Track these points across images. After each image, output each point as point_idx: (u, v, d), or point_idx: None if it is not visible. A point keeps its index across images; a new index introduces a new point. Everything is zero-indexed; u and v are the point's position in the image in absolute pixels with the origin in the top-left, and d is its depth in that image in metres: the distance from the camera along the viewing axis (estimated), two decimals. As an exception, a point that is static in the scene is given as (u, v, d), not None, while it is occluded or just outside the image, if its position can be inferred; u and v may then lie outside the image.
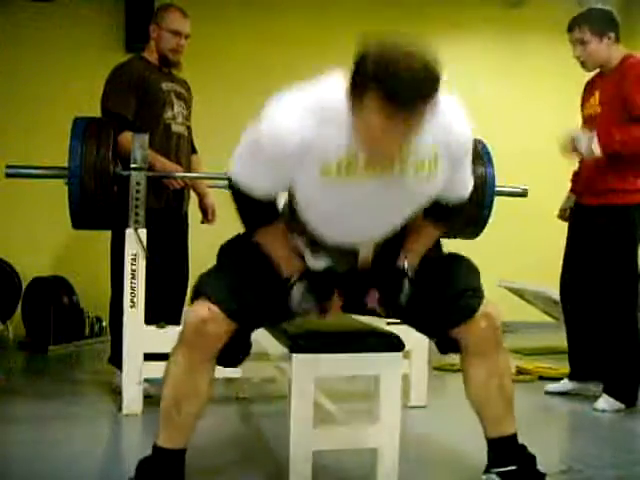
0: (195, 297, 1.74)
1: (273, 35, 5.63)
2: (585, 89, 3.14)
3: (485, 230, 2.98)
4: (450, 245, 3.20)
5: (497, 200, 2.94)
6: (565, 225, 3.25)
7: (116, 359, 2.96)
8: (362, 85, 1.44)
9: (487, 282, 6.04)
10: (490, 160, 2.91)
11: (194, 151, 3.37)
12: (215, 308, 1.67)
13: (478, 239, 3.07)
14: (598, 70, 3.03)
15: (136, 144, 2.72)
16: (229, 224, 2.00)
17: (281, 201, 1.79)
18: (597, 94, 2.96)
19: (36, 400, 3.00)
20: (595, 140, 2.78)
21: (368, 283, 1.84)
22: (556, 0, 6.05)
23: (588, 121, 3.03)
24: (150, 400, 2.83)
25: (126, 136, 2.87)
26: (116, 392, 2.92)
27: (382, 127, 1.44)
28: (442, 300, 1.77)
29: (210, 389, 1.78)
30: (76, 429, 2.53)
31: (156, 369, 2.84)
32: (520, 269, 5.01)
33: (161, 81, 3.11)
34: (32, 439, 2.38)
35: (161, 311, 2.89)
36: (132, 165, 2.71)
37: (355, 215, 1.68)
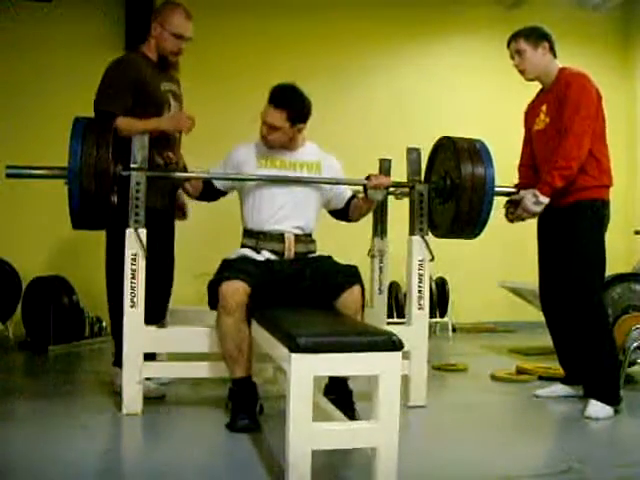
0: (217, 284, 2.56)
1: (273, 37, 5.63)
2: (528, 113, 3.23)
3: (485, 230, 2.98)
4: (451, 245, 3.24)
5: (497, 200, 2.94)
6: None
7: (120, 361, 2.94)
8: None
9: (487, 282, 6.07)
10: (490, 160, 2.91)
11: None
12: (238, 281, 2.54)
13: (478, 239, 3.07)
14: (539, 89, 3.16)
15: (136, 144, 2.73)
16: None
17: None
18: (544, 108, 3.06)
19: (36, 400, 3.00)
20: (536, 192, 2.86)
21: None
22: (556, 1, 6.06)
23: (537, 137, 3.10)
24: (150, 401, 2.84)
25: (122, 119, 2.87)
26: (117, 393, 2.91)
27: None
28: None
29: (250, 334, 2.59)
30: (76, 429, 2.53)
31: (156, 369, 2.86)
32: (520, 269, 5.01)
33: (160, 81, 3.07)
34: (32, 439, 2.38)
35: (147, 310, 2.87)
36: (132, 165, 2.71)
37: (276, 198, 2.80)
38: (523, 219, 3.15)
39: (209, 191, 2.93)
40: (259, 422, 2.51)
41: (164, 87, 3.08)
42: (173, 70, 3.18)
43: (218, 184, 2.91)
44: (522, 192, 2.96)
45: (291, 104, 2.73)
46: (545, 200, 2.85)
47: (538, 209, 2.88)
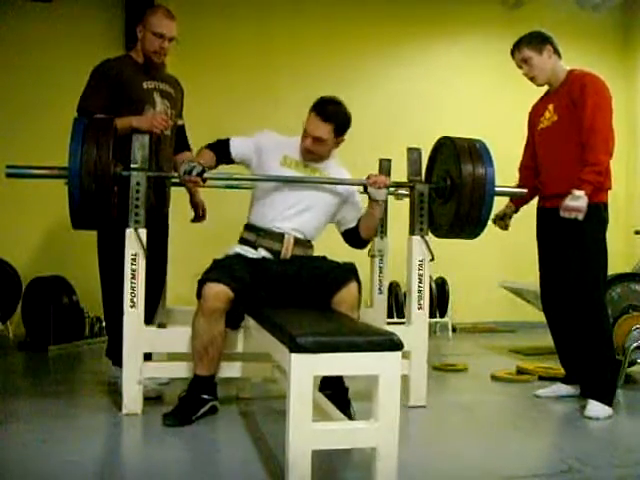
0: (203, 283, 2.58)
1: (272, 36, 5.63)
2: (532, 113, 3.24)
3: (485, 230, 2.98)
4: (451, 245, 3.24)
5: (497, 200, 2.95)
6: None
7: (110, 353, 3.16)
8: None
9: (487, 282, 6.06)
10: (490, 160, 2.91)
11: (187, 148, 3.36)
12: (221, 285, 2.56)
13: (478, 239, 3.07)
14: (545, 91, 3.17)
15: (136, 144, 2.73)
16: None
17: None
18: (551, 107, 3.06)
19: (36, 400, 3.00)
20: (577, 192, 2.83)
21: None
22: (556, 0, 6.07)
23: (542, 135, 3.11)
24: (149, 401, 2.84)
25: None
26: (110, 384, 3.09)
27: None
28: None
29: (224, 339, 2.66)
30: (76, 429, 2.53)
31: (156, 369, 2.86)
32: (520, 269, 5.01)
33: (142, 80, 3.10)
34: (32, 439, 2.38)
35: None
36: (132, 165, 2.71)
37: (288, 198, 2.81)
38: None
39: (222, 154, 2.86)
40: (192, 420, 2.58)
41: (147, 86, 3.11)
42: (157, 70, 3.18)
43: (236, 152, 2.86)
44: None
45: (338, 118, 2.79)
46: (579, 193, 2.81)
47: (577, 203, 2.81)
